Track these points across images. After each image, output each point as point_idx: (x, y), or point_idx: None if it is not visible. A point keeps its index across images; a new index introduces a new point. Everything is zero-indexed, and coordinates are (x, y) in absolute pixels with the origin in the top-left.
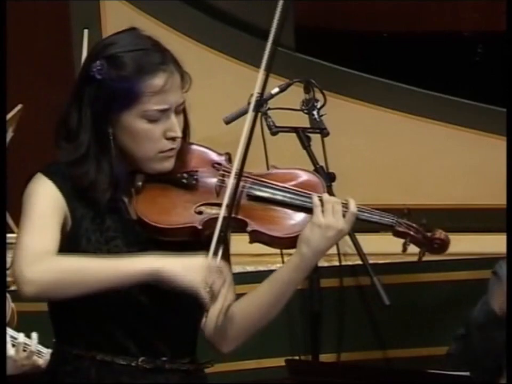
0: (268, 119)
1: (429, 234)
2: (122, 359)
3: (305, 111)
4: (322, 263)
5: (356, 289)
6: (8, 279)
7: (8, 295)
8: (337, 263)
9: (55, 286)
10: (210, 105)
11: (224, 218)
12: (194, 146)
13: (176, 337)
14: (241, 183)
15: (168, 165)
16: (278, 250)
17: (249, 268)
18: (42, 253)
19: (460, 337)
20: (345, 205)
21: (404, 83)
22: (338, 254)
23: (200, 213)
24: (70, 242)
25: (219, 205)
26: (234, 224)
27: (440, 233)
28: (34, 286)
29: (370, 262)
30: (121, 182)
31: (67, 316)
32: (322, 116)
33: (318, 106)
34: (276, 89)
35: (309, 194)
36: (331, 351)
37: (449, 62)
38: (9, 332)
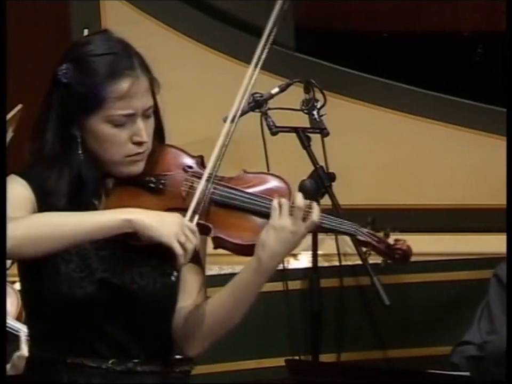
0: (267, 119)
1: (391, 243)
2: (93, 362)
3: (305, 111)
4: (322, 263)
5: (356, 289)
6: (9, 278)
7: (16, 291)
8: (337, 263)
9: (31, 240)
10: (210, 105)
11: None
12: (168, 149)
13: (148, 339)
14: (207, 187)
15: (136, 169)
16: None
17: None
18: (16, 218)
19: (473, 358)
20: (309, 210)
21: (404, 83)
22: (338, 254)
23: None
24: None
25: (185, 210)
26: (198, 229)
27: (402, 244)
28: (10, 241)
29: (370, 262)
30: (89, 185)
31: (38, 320)
32: (322, 116)
33: (318, 106)
34: (276, 89)
35: (271, 199)
36: (331, 351)
37: (449, 62)
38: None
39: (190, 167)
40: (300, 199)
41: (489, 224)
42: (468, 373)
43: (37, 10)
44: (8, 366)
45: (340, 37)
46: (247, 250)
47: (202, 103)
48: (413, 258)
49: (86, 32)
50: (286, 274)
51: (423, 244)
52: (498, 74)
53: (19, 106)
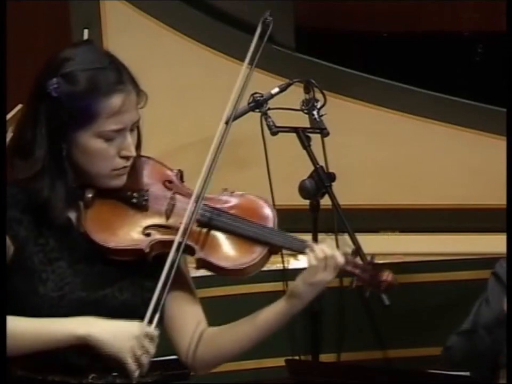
0: (267, 119)
1: (377, 274)
2: (73, 378)
3: (305, 111)
4: None
5: (356, 289)
6: None
7: None
8: None
9: None
10: (210, 105)
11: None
12: (147, 161)
13: None
14: (193, 208)
15: (119, 182)
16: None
17: None
18: None
19: (463, 333)
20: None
21: (404, 83)
22: None
23: (148, 234)
24: (15, 265)
25: (167, 227)
26: (183, 249)
27: (387, 275)
28: None
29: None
30: (72, 198)
31: None
32: (322, 115)
33: (318, 106)
34: (276, 89)
35: (263, 225)
36: (331, 351)
37: (449, 62)
38: None
39: (170, 181)
40: (336, 252)
41: (489, 224)
42: (467, 373)
43: (37, 10)
44: None
45: (340, 37)
46: (231, 274)
47: (202, 103)
48: (413, 258)
49: (86, 32)
50: (286, 274)
51: (423, 244)
52: (498, 74)
53: (19, 106)
